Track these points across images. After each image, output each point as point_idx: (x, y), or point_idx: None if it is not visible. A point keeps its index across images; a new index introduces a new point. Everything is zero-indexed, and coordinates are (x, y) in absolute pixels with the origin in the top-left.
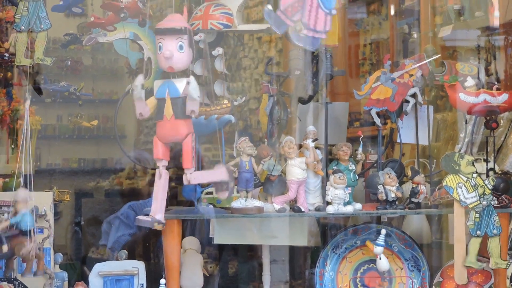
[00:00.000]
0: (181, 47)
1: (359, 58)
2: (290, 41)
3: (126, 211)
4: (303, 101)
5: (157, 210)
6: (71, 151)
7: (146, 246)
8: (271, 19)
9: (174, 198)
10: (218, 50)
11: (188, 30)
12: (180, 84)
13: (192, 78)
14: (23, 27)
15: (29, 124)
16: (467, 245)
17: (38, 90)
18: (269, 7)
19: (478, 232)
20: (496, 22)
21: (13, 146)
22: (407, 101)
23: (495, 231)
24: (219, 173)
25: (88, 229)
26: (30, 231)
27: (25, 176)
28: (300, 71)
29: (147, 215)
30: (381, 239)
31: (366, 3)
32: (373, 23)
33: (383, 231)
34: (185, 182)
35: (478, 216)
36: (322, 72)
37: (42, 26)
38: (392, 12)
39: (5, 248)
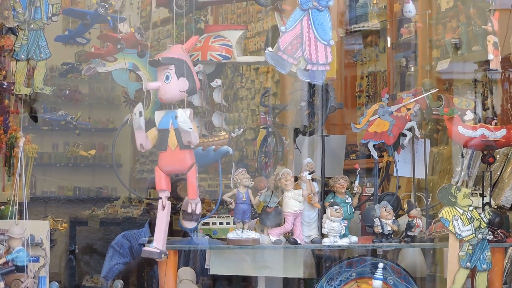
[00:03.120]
0: (167, 78)
1: (355, 90)
2: (298, 78)
3: (120, 240)
4: (304, 133)
5: (161, 241)
6: (67, 179)
7: (141, 276)
8: (274, 60)
9: (168, 228)
10: (217, 82)
11: (178, 60)
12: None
13: (179, 111)
14: (22, 56)
15: (25, 152)
16: (455, 276)
17: (34, 118)
18: (270, 49)
19: (468, 264)
20: (496, 64)
21: (9, 174)
22: (404, 135)
23: (484, 266)
24: None
25: (82, 258)
26: (26, 266)
27: (20, 204)
28: (305, 103)
29: (143, 245)
30: (379, 273)
31: (362, 35)
32: (370, 55)
33: (381, 265)
34: (189, 211)
35: (471, 248)
36: (326, 105)
37: (42, 55)
38: (389, 44)
39: (1, 285)
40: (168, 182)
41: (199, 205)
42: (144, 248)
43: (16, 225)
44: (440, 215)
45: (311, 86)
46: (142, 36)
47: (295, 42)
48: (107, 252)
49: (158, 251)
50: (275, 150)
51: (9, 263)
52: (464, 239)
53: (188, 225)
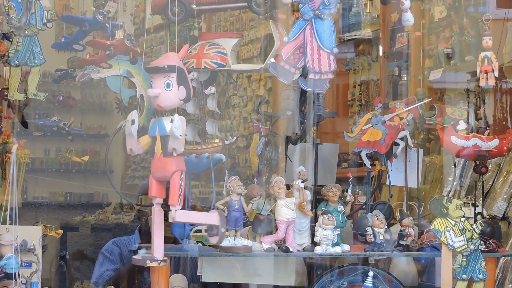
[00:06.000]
0: (168, 85)
1: (348, 99)
2: (287, 87)
3: (110, 247)
4: (293, 142)
5: (158, 248)
6: (58, 185)
7: (131, 282)
8: (276, 71)
9: None
10: (211, 89)
11: (178, 68)
12: (167, 122)
13: (176, 116)
14: (16, 62)
15: (18, 158)
16: None
17: (24, 123)
18: (272, 59)
19: (464, 276)
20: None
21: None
22: (397, 144)
23: (481, 276)
24: (209, 217)
25: (73, 263)
26: (15, 274)
27: (12, 209)
28: (292, 112)
29: (135, 251)
30: (369, 281)
31: (355, 44)
32: (362, 64)
33: (371, 273)
34: (170, 220)
35: (465, 259)
36: (312, 113)
37: (36, 61)
38: (381, 53)
39: None
40: (159, 189)
41: (179, 212)
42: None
43: (7, 232)
44: (432, 227)
45: (301, 95)
46: (132, 43)
47: (297, 52)
48: (97, 258)
49: (157, 259)
50: (271, 158)
51: None
52: (457, 250)
53: (213, 240)
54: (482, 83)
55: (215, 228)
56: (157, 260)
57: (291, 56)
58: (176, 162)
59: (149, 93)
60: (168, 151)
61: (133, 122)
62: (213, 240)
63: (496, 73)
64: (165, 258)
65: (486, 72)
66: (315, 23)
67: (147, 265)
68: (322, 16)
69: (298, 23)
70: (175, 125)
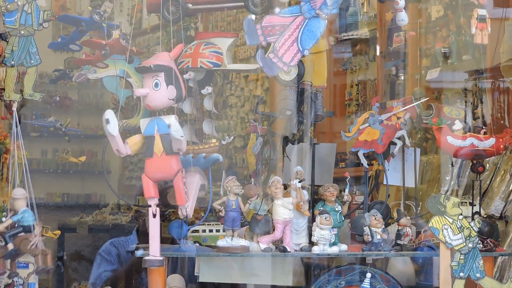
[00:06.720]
0: (156, 85)
1: (345, 99)
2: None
3: (108, 248)
4: (292, 141)
5: (156, 248)
6: (55, 186)
7: (129, 283)
8: (263, 62)
9: None
10: (207, 89)
11: (166, 67)
12: (168, 120)
13: (173, 119)
14: (13, 62)
15: (15, 158)
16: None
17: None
18: (252, 16)
19: (461, 274)
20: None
21: None
22: (394, 143)
23: (478, 275)
24: (197, 182)
25: (70, 264)
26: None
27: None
28: (291, 111)
29: (132, 252)
30: (366, 282)
31: (352, 44)
32: (360, 63)
33: (369, 274)
34: (181, 217)
35: (463, 257)
36: (311, 113)
37: (32, 61)
38: (378, 52)
39: (10, 246)
40: (155, 189)
41: (189, 209)
42: (144, 258)
43: (20, 187)
44: (430, 225)
45: (299, 95)
46: (128, 42)
47: (277, 27)
48: (95, 259)
49: (159, 259)
50: (269, 158)
51: (16, 225)
52: (455, 248)
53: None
54: (477, 40)
55: (202, 188)
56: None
57: (269, 27)
58: (177, 161)
59: (135, 93)
60: (173, 151)
61: (107, 121)
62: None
63: (489, 29)
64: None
65: (481, 30)
66: (309, 19)
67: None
68: (323, 15)
69: (295, 7)
70: (173, 129)
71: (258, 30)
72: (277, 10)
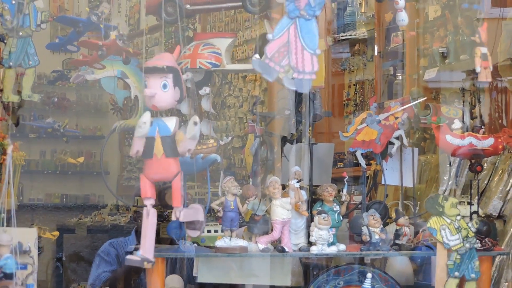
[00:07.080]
0: (164, 86)
1: (343, 99)
2: (284, 87)
3: (106, 248)
4: (290, 141)
5: (146, 248)
6: (54, 187)
7: (128, 284)
8: (261, 68)
9: (156, 236)
10: (205, 90)
11: (174, 69)
12: (170, 123)
13: (197, 118)
14: (11, 63)
15: (13, 159)
16: (444, 286)
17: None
18: (257, 56)
19: (456, 273)
20: (485, 76)
21: None
22: (392, 143)
23: (473, 275)
24: (199, 212)
25: (69, 265)
26: (14, 274)
27: (8, 211)
28: (290, 111)
29: (131, 253)
30: (367, 283)
31: (350, 44)
32: (357, 63)
33: (369, 275)
34: (173, 219)
35: (459, 257)
36: (309, 113)
37: (31, 62)
38: (376, 52)
39: None
40: (153, 190)
41: (183, 212)
42: (126, 256)
43: (5, 232)
44: (428, 225)
45: (298, 95)
46: (125, 43)
47: (282, 50)
48: (94, 260)
49: (139, 259)
50: (266, 158)
51: None
52: (452, 248)
53: (192, 234)
54: (482, 79)
55: (198, 223)
56: (146, 260)
57: (275, 54)
58: (177, 164)
59: (145, 93)
60: (174, 152)
61: (146, 124)
62: (193, 234)
63: (491, 67)
64: (152, 259)
65: (485, 68)
66: (300, 23)
67: (145, 267)
68: (307, 16)
69: (282, 21)
70: (198, 128)
71: (270, 63)
72: (269, 36)
